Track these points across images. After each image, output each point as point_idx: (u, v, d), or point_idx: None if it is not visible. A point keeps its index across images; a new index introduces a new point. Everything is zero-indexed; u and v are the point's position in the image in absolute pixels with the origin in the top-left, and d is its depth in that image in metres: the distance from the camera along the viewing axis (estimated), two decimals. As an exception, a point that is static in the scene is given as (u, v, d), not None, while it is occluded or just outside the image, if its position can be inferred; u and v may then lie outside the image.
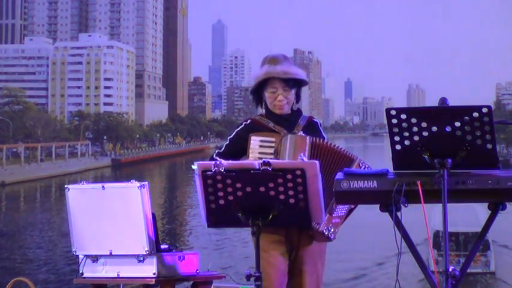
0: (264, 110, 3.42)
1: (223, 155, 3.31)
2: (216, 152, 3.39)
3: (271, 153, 3.23)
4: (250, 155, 3.25)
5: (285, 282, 3.24)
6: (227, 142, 3.41)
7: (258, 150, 3.26)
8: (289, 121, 3.37)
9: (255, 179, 2.64)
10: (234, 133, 3.40)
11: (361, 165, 3.23)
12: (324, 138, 3.35)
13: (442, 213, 2.51)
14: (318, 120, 3.52)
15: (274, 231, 3.20)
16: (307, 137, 3.24)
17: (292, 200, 2.66)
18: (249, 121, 3.42)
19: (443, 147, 2.53)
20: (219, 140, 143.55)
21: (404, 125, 2.52)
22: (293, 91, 3.36)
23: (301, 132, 3.32)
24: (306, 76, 3.39)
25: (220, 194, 2.68)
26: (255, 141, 3.28)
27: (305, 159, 3.11)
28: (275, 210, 2.68)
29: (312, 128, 3.40)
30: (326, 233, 3.17)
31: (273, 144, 3.25)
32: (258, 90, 3.40)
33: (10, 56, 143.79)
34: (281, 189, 2.64)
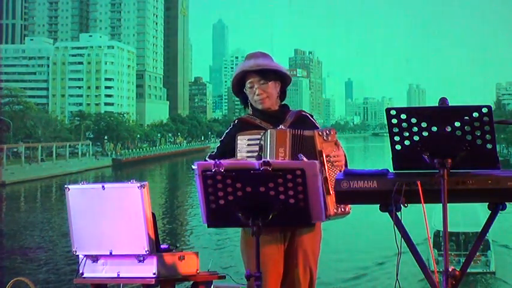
0: (251, 110, 3.42)
1: (215, 158, 3.26)
2: (208, 155, 3.38)
3: (257, 151, 3.23)
4: (238, 155, 3.26)
5: (280, 280, 3.23)
6: (219, 144, 3.42)
7: (245, 149, 3.26)
8: (276, 117, 3.35)
9: (255, 179, 2.64)
10: (225, 135, 3.41)
11: (320, 134, 3.21)
12: (318, 129, 3.34)
13: (442, 213, 2.51)
14: (309, 113, 3.48)
15: (269, 230, 3.19)
16: (288, 130, 3.23)
17: (292, 200, 2.66)
18: (236, 121, 3.43)
19: (443, 147, 2.52)
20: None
21: (404, 125, 2.52)
22: (271, 84, 3.34)
23: (282, 127, 3.29)
24: (285, 70, 3.38)
25: (220, 194, 2.68)
26: (241, 141, 3.28)
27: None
28: (275, 210, 2.68)
29: (302, 122, 3.37)
30: (339, 211, 3.17)
31: (257, 142, 3.25)
32: (242, 91, 3.41)
33: (10, 56, 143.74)
34: (281, 189, 2.64)
